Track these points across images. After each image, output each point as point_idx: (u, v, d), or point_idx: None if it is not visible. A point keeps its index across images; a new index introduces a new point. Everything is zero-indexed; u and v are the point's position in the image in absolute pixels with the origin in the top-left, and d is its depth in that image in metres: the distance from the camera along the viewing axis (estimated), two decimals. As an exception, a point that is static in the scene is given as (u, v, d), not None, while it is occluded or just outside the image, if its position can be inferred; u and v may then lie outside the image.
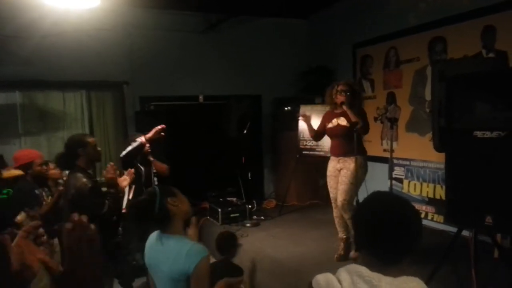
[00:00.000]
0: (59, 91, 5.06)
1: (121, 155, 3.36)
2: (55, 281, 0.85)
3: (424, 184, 4.41)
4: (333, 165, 3.68)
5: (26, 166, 3.29)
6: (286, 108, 5.82)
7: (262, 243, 4.14)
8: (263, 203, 5.75)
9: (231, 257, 3.25)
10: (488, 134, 2.33)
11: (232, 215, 4.85)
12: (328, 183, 3.72)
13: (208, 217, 5.06)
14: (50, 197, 3.42)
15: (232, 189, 5.37)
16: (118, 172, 2.93)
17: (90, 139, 2.78)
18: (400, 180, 4.67)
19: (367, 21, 5.15)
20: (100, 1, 3.47)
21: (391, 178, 4.13)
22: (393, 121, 4.26)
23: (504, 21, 3.58)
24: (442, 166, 3.20)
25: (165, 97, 5.52)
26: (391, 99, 4.90)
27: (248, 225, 4.74)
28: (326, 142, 4.78)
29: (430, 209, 4.36)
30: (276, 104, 6.04)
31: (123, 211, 3.51)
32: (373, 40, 5.09)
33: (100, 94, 5.31)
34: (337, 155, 3.64)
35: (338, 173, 3.61)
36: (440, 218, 4.20)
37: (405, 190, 4.63)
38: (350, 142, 3.43)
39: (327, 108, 4.17)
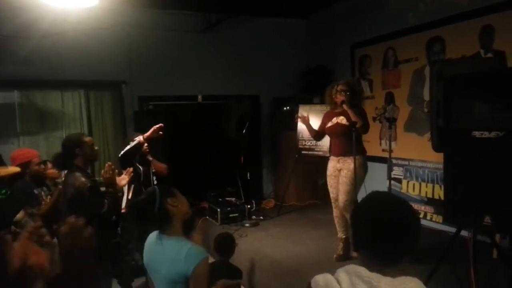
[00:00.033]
0: (57, 91, 5.05)
1: (119, 155, 3.35)
2: (50, 283, 0.85)
3: (423, 184, 4.42)
4: (333, 164, 3.68)
5: (23, 166, 3.28)
6: (285, 108, 5.83)
7: (261, 243, 4.15)
8: (262, 203, 5.76)
9: (228, 258, 3.25)
10: (486, 134, 2.33)
11: (231, 215, 4.85)
12: (328, 183, 3.73)
13: (207, 217, 5.06)
14: (49, 197, 3.42)
15: (231, 189, 5.37)
16: (116, 171, 2.92)
17: (87, 139, 2.77)
18: (399, 180, 4.68)
19: (366, 21, 5.15)
20: (98, 1, 3.47)
21: (390, 178, 4.14)
22: (392, 121, 4.27)
23: (502, 21, 3.59)
24: (441, 166, 3.21)
25: (164, 97, 5.52)
26: (390, 99, 4.91)
27: (247, 225, 4.74)
28: (325, 142, 4.79)
29: (429, 209, 4.37)
30: (275, 104, 6.04)
31: (123, 211, 3.51)
32: (371, 40, 5.10)
33: (99, 93, 5.30)
34: (337, 154, 3.64)
35: (338, 173, 3.61)
36: (439, 218, 4.21)
37: (404, 190, 4.64)
38: (350, 141, 3.43)
39: (326, 108, 4.18)
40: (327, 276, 1.15)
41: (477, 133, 2.37)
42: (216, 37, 5.74)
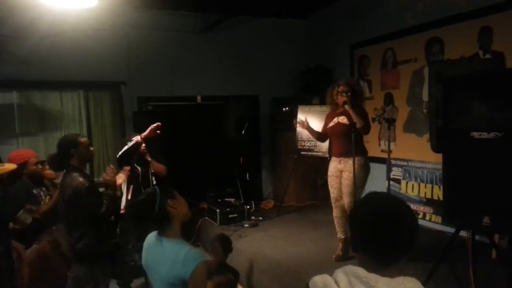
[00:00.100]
0: (56, 91, 5.05)
1: (117, 156, 3.35)
2: None
3: (422, 185, 4.43)
4: (334, 165, 3.68)
5: (21, 166, 3.28)
6: (284, 109, 5.83)
7: (260, 244, 4.14)
8: (261, 204, 5.76)
9: (225, 259, 3.26)
10: (485, 134, 2.33)
11: (230, 216, 4.84)
12: (329, 183, 3.72)
13: (206, 217, 5.06)
14: (48, 197, 3.42)
15: (230, 190, 5.37)
16: (118, 173, 2.93)
17: (83, 139, 2.77)
18: (398, 181, 4.69)
19: (365, 21, 5.16)
20: (97, 1, 3.47)
21: (389, 178, 4.14)
22: (391, 122, 4.27)
23: (501, 22, 3.59)
24: (440, 166, 3.21)
25: (163, 98, 5.52)
26: (389, 99, 4.92)
27: (246, 225, 4.74)
28: (324, 143, 4.79)
29: (428, 209, 4.37)
30: (274, 105, 6.04)
31: (122, 211, 3.51)
32: (370, 41, 5.10)
33: (98, 94, 5.30)
34: (338, 155, 3.64)
35: (340, 173, 3.61)
36: (438, 219, 4.22)
37: (403, 190, 4.64)
38: (351, 141, 3.43)
39: (325, 109, 4.18)
40: (325, 277, 1.15)
41: (476, 134, 2.37)
42: (215, 38, 5.74)
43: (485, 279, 2.63)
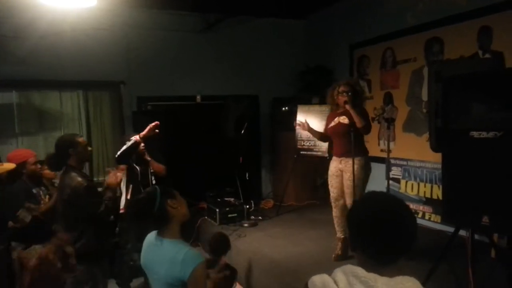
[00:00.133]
0: (56, 91, 5.04)
1: (116, 156, 3.35)
2: None
3: (421, 184, 4.43)
4: (335, 165, 3.68)
5: (20, 166, 3.28)
6: (284, 108, 5.83)
7: (260, 243, 4.14)
8: (261, 203, 5.75)
9: (220, 258, 3.26)
10: (484, 134, 2.33)
11: (230, 215, 4.84)
12: (330, 182, 3.72)
13: (206, 217, 5.06)
14: (47, 196, 3.42)
15: (230, 189, 5.37)
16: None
17: (80, 139, 2.77)
18: (397, 180, 4.69)
19: (365, 21, 5.16)
20: (97, 1, 3.47)
21: (388, 178, 4.14)
22: (390, 121, 4.27)
23: (500, 22, 3.60)
24: (439, 166, 3.21)
25: (163, 97, 5.51)
26: (388, 99, 4.92)
27: (246, 225, 4.74)
28: (324, 142, 4.79)
29: (427, 209, 4.38)
30: (274, 104, 6.04)
31: (121, 211, 3.51)
32: (370, 41, 5.10)
33: (97, 93, 5.30)
34: (339, 155, 3.64)
35: (340, 173, 3.61)
36: (437, 218, 4.22)
37: (402, 190, 4.64)
38: (352, 141, 3.43)
39: (324, 108, 4.19)
40: (324, 277, 1.15)
41: (475, 133, 2.37)
42: (215, 37, 5.74)
43: (485, 279, 2.63)
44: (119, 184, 2.99)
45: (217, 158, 5.63)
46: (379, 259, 1.15)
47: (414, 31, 4.44)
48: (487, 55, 3.73)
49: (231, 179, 5.35)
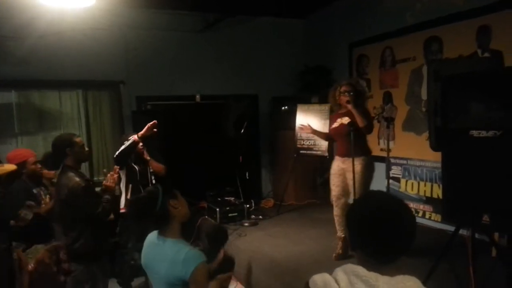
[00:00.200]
0: (55, 91, 5.04)
1: (114, 155, 3.35)
2: None
3: (422, 183, 4.43)
4: (337, 164, 3.69)
5: (20, 166, 3.28)
6: (283, 108, 5.83)
7: (260, 243, 4.15)
8: (261, 203, 5.76)
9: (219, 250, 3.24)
10: (483, 133, 2.34)
11: (230, 215, 4.85)
12: (331, 181, 3.73)
13: (206, 216, 5.06)
14: (48, 196, 3.42)
15: (230, 189, 5.38)
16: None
17: (78, 139, 2.77)
18: (397, 179, 4.69)
19: (364, 20, 5.16)
20: (95, 1, 3.46)
21: (388, 177, 4.15)
22: (390, 121, 4.28)
23: (499, 21, 3.60)
24: (439, 165, 3.21)
25: (162, 97, 5.51)
26: (388, 98, 4.92)
27: (246, 224, 4.74)
28: (323, 141, 4.80)
29: (428, 208, 4.38)
30: (274, 104, 6.04)
31: (122, 210, 3.51)
32: (369, 40, 5.10)
33: (97, 93, 5.29)
34: (342, 155, 3.65)
35: (343, 172, 3.62)
36: (438, 217, 4.22)
37: (402, 189, 4.65)
38: (355, 142, 3.44)
39: (324, 107, 4.19)
40: (325, 276, 1.15)
41: (474, 132, 2.37)
42: (214, 37, 5.74)
43: (485, 277, 2.63)
44: (116, 185, 2.99)
45: (217, 157, 5.64)
46: (378, 258, 1.15)
47: (413, 30, 4.44)
48: (486, 54, 3.73)
49: (231, 178, 5.36)
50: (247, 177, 5.35)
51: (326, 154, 4.90)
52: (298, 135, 5.20)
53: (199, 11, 5.51)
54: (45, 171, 3.60)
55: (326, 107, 4.82)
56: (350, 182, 3.53)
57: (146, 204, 1.84)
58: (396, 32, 4.67)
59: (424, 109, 4.33)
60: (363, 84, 5.25)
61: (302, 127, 3.96)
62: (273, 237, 4.32)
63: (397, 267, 1.16)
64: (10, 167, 3.14)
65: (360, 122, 3.45)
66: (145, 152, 3.71)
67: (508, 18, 3.51)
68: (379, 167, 4.60)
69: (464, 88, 2.52)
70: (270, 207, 5.60)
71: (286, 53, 6.16)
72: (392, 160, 4.67)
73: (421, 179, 4.43)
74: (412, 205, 4.43)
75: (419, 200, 4.46)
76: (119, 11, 4.98)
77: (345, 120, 3.59)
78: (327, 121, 4.75)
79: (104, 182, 2.81)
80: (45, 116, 5.02)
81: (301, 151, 5.20)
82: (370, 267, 1.12)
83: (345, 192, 3.66)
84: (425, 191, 4.40)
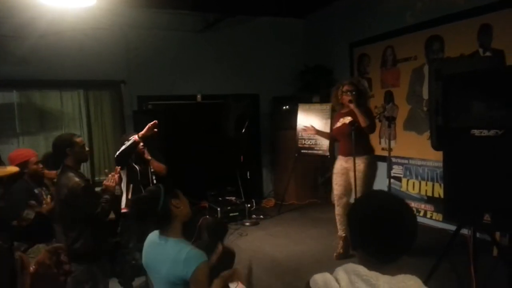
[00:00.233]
0: (56, 90, 5.05)
1: (115, 155, 3.35)
2: None
3: (423, 183, 4.43)
4: (340, 163, 3.70)
5: (21, 166, 3.28)
6: (284, 107, 5.83)
7: (261, 242, 4.15)
8: (262, 202, 5.76)
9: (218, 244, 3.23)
10: (485, 132, 2.33)
11: (231, 214, 4.85)
12: (334, 180, 3.73)
13: (207, 216, 5.06)
14: (49, 196, 3.42)
15: (231, 188, 5.38)
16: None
17: (78, 139, 2.76)
18: (398, 179, 4.69)
19: (364, 20, 5.15)
20: (96, 0, 3.46)
21: (389, 176, 4.14)
22: (391, 120, 4.27)
23: (501, 20, 3.59)
24: (441, 164, 3.20)
25: (163, 97, 5.52)
26: (389, 98, 4.91)
27: (247, 224, 4.75)
28: (324, 141, 4.80)
29: (429, 207, 4.37)
30: (274, 103, 6.04)
31: (123, 210, 3.50)
32: (370, 39, 5.10)
33: (98, 93, 5.30)
34: (345, 154, 3.65)
35: (346, 171, 3.62)
36: (439, 216, 4.22)
37: (403, 188, 4.64)
38: (357, 141, 3.44)
39: (325, 107, 4.19)
40: (326, 275, 1.15)
41: (476, 132, 2.37)
42: (214, 37, 5.74)
43: (486, 277, 2.63)
44: (116, 185, 2.99)
45: (218, 157, 5.64)
46: (380, 258, 1.14)
47: (414, 29, 4.44)
48: (487, 53, 3.73)
49: (232, 178, 5.36)
50: (248, 177, 5.36)
51: (327, 153, 4.90)
52: (299, 135, 5.20)
53: (200, 11, 5.52)
54: (47, 171, 3.60)
55: (327, 107, 4.82)
56: (353, 181, 3.53)
57: (148, 203, 1.84)
58: (397, 32, 4.66)
59: (425, 108, 4.32)
60: (364, 84, 5.25)
61: (305, 129, 3.96)
62: (274, 236, 4.32)
63: (398, 266, 1.15)
64: (13, 169, 3.14)
65: (363, 121, 3.45)
66: (146, 152, 3.71)
67: (510, 17, 3.50)
68: (381, 167, 4.58)
69: (466, 87, 2.51)
70: (271, 207, 5.60)
71: (286, 53, 6.16)
72: (394, 160, 4.66)
73: (422, 179, 4.42)
74: (413, 204, 4.43)
75: (420, 199, 4.46)
76: (120, 11, 4.98)
77: (347, 119, 3.59)
78: (329, 121, 4.75)
79: (104, 181, 2.81)
80: (47, 116, 5.02)
81: (302, 151, 5.20)
82: (371, 266, 1.12)
83: (347, 192, 3.66)
84: (426, 190, 4.39)
